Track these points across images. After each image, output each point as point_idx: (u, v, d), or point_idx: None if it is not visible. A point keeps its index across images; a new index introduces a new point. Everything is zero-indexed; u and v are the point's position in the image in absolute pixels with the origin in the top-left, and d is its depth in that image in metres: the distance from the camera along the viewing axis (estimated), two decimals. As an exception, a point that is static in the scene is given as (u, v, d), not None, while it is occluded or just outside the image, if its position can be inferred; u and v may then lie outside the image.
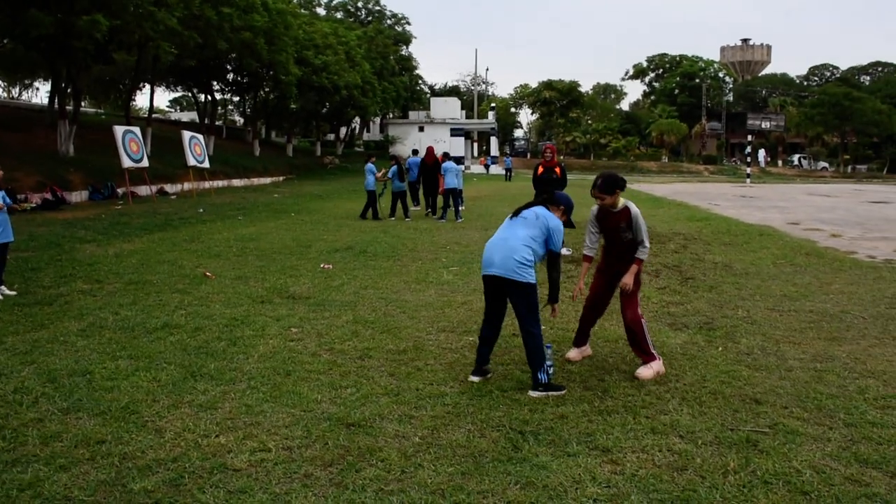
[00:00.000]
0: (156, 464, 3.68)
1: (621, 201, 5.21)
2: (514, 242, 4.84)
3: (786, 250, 11.85)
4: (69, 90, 23.26)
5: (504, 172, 44.40)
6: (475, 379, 4.99)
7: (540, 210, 5.00)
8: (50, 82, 27.37)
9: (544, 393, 4.70)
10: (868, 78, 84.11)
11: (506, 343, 5.87)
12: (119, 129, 19.40)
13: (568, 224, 5.18)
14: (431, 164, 17.54)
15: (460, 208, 17.06)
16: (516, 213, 5.05)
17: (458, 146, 54.30)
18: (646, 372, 5.12)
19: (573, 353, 5.60)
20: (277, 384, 4.91)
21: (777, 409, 4.53)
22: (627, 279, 5.22)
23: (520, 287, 4.79)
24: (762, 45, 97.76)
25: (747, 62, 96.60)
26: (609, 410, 4.48)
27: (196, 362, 5.37)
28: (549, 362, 5.05)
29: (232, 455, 3.80)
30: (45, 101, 33.84)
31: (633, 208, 5.20)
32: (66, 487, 3.42)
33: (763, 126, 65.19)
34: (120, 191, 20.62)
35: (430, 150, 18.12)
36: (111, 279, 8.69)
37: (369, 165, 17.11)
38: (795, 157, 70.30)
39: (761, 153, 66.04)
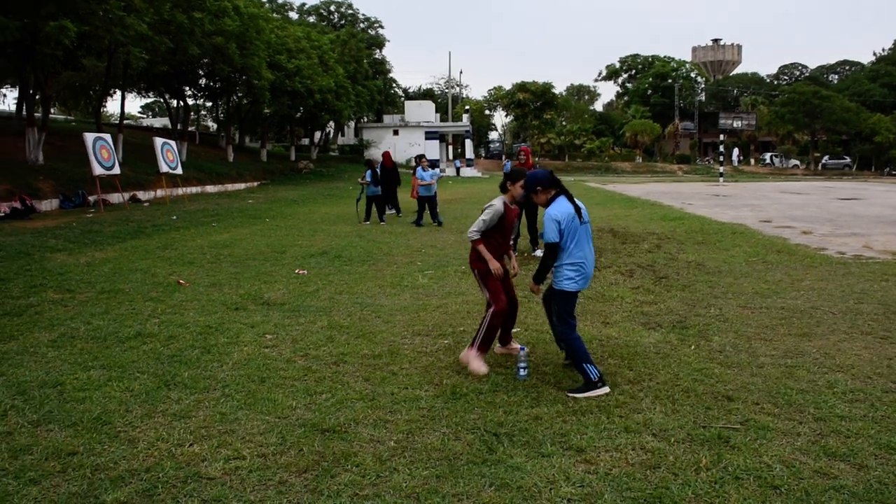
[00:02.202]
0: (129, 474, 3.65)
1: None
2: None
3: (758, 248, 12.01)
4: (38, 96, 22.96)
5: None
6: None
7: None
8: (18, 89, 26.98)
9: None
10: (836, 77, 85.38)
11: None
12: (89, 136, 19.16)
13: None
14: (390, 168, 17.80)
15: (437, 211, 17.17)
16: (581, 215, 4.99)
17: (432, 149, 54.29)
18: (466, 356, 5.40)
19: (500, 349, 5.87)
20: (252, 391, 4.88)
21: (748, 406, 4.59)
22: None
23: None
24: (733, 44, 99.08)
25: (718, 62, 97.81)
26: (583, 410, 4.51)
27: (169, 371, 5.33)
28: (521, 364, 5.10)
29: (206, 464, 3.77)
30: (13, 107, 33.35)
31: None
32: (37, 501, 3.38)
33: (735, 125, 65.78)
34: (91, 198, 20.35)
35: (386, 154, 18.38)
36: (83, 288, 8.58)
37: (420, 171, 17.03)
38: (767, 156, 71.24)
39: (735, 152, 66.85)
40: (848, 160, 65.74)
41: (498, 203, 5.34)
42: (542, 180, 5.03)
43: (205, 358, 5.68)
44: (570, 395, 4.79)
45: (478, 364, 5.25)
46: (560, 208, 4.90)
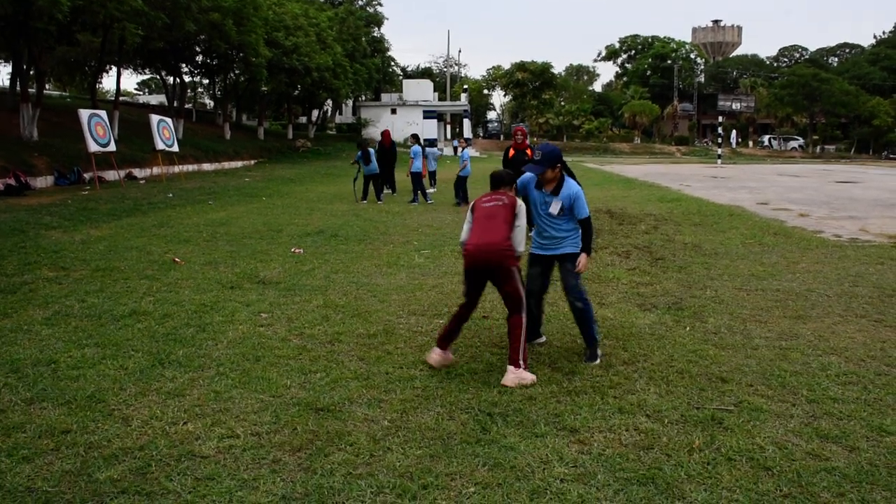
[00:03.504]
0: (122, 452, 3.65)
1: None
2: None
3: (754, 230, 12.01)
4: (32, 72, 22.73)
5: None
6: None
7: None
8: (11, 63, 26.72)
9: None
10: (836, 60, 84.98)
11: (475, 325, 5.89)
12: (85, 113, 19.01)
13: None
14: (388, 147, 17.93)
15: (430, 190, 17.55)
16: None
17: (430, 128, 54.03)
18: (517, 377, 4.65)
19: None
20: (246, 370, 4.88)
21: (742, 387, 4.60)
22: None
23: None
24: (733, 26, 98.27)
25: (718, 43, 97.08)
26: (577, 391, 4.52)
27: (164, 349, 5.32)
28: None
29: (200, 442, 3.77)
30: (7, 83, 33.07)
31: None
32: (29, 479, 3.37)
33: (734, 107, 65.61)
34: (87, 176, 20.23)
35: (385, 133, 18.60)
36: (77, 266, 8.55)
37: (415, 148, 17.31)
38: (766, 138, 71.03)
39: (733, 134, 66.65)
40: (800, 140, 66.48)
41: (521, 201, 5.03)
42: (562, 158, 5.19)
43: (199, 336, 5.67)
44: (589, 363, 5.05)
45: (530, 375, 4.68)
46: (577, 185, 5.19)
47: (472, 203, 5.06)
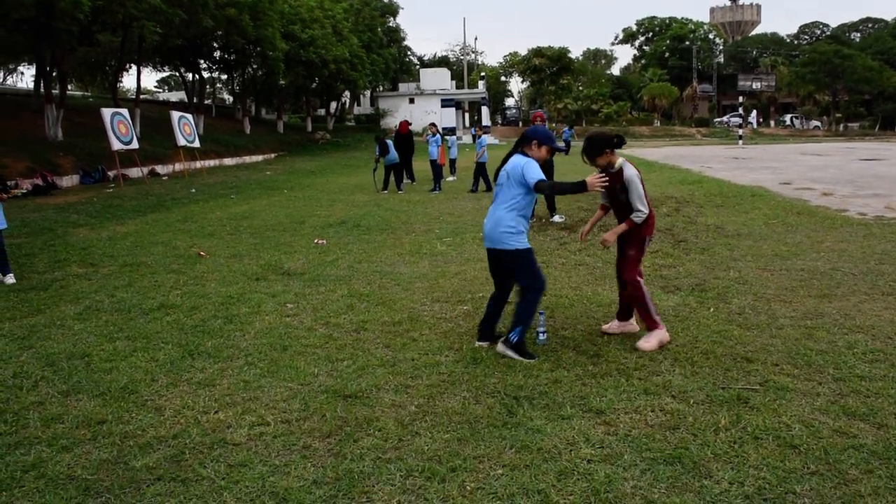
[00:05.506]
0: (156, 441, 3.74)
1: (618, 161, 5.00)
2: (499, 212, 4.88)
3: (777, 210, 11.90)
4: (54, 73, 23.04)
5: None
6: (482, 344, 5.12)
7: (510, 164, 4.89)
8: (35, 66, 27.08)
9: (508, 350, 4.83)
10: (858, 35, 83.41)
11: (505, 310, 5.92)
12: (107, 112, 19.26)
13: (559, 150, 5.20)
14: (405, 136, 18.27)
15: (450, 179, 17.69)
16: (496, 179, 5.02)
17: (449, 117, 53.97)
18: (645, 344, 4.95)
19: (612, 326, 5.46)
20: (274, 359, 4.96)
21: (768, 367, 4.59)
22: (607, 235, 5.14)
23: (513, 255, 4.86)
24: (752, 4, 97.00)
25: (737, 22, 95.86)
26: (602, 373, 4.54)
27: (193, 341, 5.42)
28: (541, 328, 5.12)
29: (231, 430, 3.85)
30: (31, 85, 33.51)
31: (628, 171, 4.98)
32: (69, 467, 3.47)
33: (754, 86, 64.78)
34: (111, 174, 20.53)
35: (403, 123, 18.87)
36: (106, 262, 8.70)
37: (437, 137, 17.79)
38: (787, 118, 70.00)
39: (753, 114, 65.83)
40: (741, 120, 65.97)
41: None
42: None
43: (227, 328, 5.76)
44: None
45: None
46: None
47: (640, 176, 5.13)
